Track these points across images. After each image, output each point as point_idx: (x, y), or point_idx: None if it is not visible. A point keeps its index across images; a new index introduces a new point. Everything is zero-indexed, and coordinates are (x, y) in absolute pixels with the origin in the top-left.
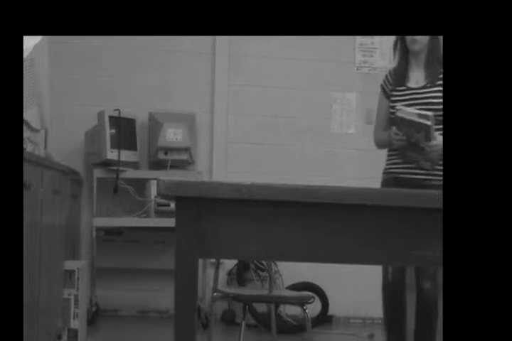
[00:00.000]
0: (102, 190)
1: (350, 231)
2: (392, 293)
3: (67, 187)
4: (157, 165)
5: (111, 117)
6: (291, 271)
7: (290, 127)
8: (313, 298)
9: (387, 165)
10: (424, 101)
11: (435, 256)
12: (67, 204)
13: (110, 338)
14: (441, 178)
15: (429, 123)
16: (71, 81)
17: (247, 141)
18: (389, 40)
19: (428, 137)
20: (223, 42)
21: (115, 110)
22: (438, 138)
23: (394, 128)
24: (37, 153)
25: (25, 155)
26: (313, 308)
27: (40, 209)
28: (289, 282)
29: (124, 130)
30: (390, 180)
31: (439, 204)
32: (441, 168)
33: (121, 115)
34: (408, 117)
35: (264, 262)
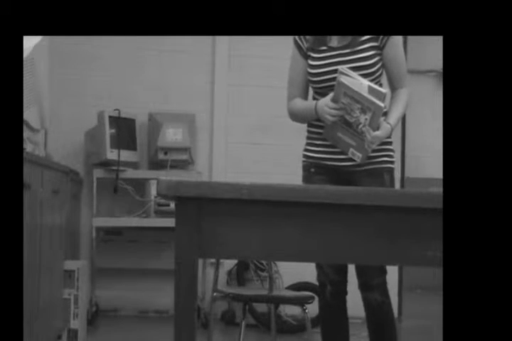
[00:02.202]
0: (101, 190)
1: (350, 231)
2: (332, 316)
3: (67, 187)
4: (157, 165)
5: (111, 117)
6: (291, 271)
7: (290, 127)
8: (313, 298)
9: (308, 146)
10: (353, 65)
11: (435, 256)
12: (67, 204)
13: (110, 338)
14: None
15: (382, 104)
16: (71, 81)
17: (247, 141)
18: None
19: (375, 122)
20: (223, 43)
21: (115, 110)
22: (383, 127)
23: (329, 97)
24: (37, 153)
25: (25, 155)
26: (313, 308)
27: (40, 209)
28: (288, 282)
29: (124, 130)
30: (313, 166)
31: (439, 205)
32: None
33: (121, 115)
34: (355, 88)
35: (263, 262)
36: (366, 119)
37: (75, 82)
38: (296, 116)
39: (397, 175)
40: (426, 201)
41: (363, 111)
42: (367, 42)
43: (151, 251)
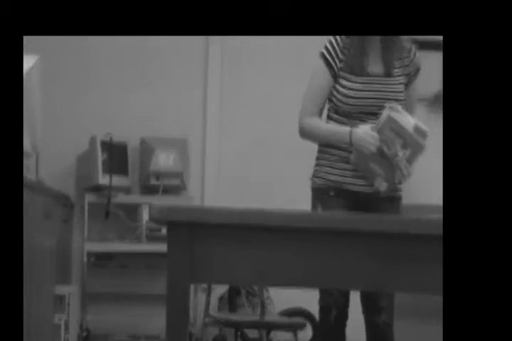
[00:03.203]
0: (93, 215)
1: (342, 256)
2: None
3: (59, 211)
4: (149, 190)
5: (103, 142)
6: (282, 297)
7: (283, 152)
8: (305, 324)
9: (326, 167)
10: (388, 92)
11: (430, 282)
12: (59, 229)
13: None
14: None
15: (424, 144)
16: (63, 105)
17: (239, 165)
18: None
19: (413, 159)
20: (215, 68)
21: (107, 135)
22: (413, 169)
23: (368, 127)
24: (28, 177)
25: None
26: (305, 334)
27: (31, 234)
28: (280, 307)
29: (116, 155)
30: (332, 189)
31: (437, 231)
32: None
33: (113, 140)
34: (403, 124)
35: (255, 288)
36: (404, 154)
37: (67, 106)
38: (313, 135)
39: None
40: (422, 227)
41: (404, 146)
42: (399, 76)
43: (142, 276)
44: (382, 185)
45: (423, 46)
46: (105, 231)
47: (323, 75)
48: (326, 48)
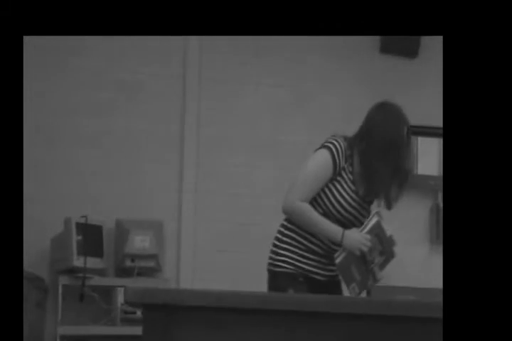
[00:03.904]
0: (67, 298)
1: (322, 339)
2: None
3: (32, 294)
4: (124, 272)
5: (78, 224)
6: None
7: (259, 235)
8: None
9: (297, 256)
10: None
11: None
12: (32, 313)
13: None
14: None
15: (394, 252)
16: (38, 186)
17: (215, 248)
18: None
19: (383, 266)
20: (191, 150)
21: (82, 217)
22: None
23: (357, 230)
24: None
25: None
26: None
27: None
28: None
29: (91, 236)
30: (301, 276)
31: (407, 312)
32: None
33: (88, 221)
34: (385, 231)
35: None
36: (379, 261)
37: (41, 188)
38: (302, 220)
39: None
40: (393, 309)
41: (381, 253)
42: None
43: None
44: (354, 292)
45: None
46: (79, 315)
47: (328, 169)
48: (333, 144)
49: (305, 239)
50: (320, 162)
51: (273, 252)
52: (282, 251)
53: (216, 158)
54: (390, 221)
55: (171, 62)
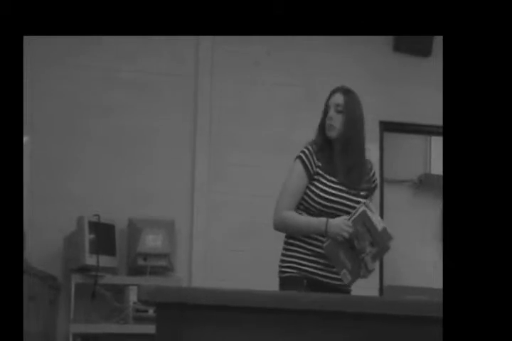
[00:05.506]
0: (79, 296)
1: (333, 338)
2: None
3: (45, 292)
4: (136, 271)
5: (90, 222)
6: None
7: (271, 234)
8: None
9: (298, 259)
10: (352, 202)
11: None
12: (44, 310)
13: None
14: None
15: (389, 245)
16: (51, 186)
17: (226, 247)
18: None
19: (377, 257)
20: (203, 149)
21: (94, 216)
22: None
23: (343, 218)
24: None
25: None
26: None
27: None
28: None
29: (103, 235)
30: (306, 279)
31: (418, 312)
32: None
33: (101, 220)
34: (374, 221)
35: None
36: (371, 252)
37: (54, 187)
38: (289, 228)
39: (376, 282)
40: (404, 308)
41: (372, 244)
42: (364, 190)
43: None
44: (346, 278)
45: (407, 130)
46: (91, 313)
47: (300, 175)
48: (303, 152)
49: (308, 243)
50: (294, 173)
51: (280, 260)
52: (287, 258)
53: (228, 157)
54: (402, 221)
55: (183, 61)
